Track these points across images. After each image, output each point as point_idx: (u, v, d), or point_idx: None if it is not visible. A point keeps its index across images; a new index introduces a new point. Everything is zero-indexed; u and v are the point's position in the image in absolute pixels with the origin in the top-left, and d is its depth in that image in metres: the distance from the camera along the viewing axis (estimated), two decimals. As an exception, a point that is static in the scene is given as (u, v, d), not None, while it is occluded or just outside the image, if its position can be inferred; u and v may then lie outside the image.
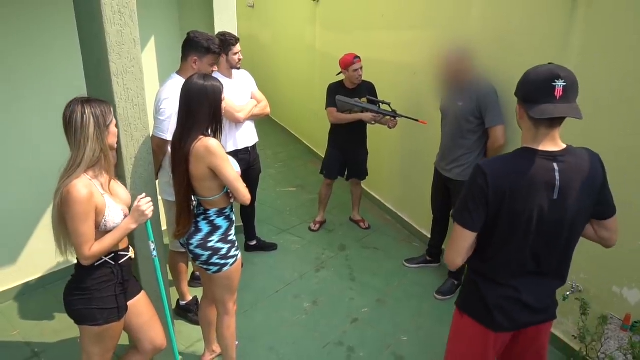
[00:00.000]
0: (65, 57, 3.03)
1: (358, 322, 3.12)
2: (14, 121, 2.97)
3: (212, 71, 2.72)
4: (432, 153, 3.39)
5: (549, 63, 1.55)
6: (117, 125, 1.99)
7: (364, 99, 3.74)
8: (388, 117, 3.69)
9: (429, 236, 3.75)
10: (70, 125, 1.78)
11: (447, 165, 3.19)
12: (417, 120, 3.54)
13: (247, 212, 3.81)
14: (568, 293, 2.55)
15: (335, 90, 3.80)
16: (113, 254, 1.92)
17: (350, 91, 3.79)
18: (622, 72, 2.34)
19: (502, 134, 2.94)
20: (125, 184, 2.12)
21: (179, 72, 2.72)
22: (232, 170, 2.13)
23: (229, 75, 3.20)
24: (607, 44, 2.39)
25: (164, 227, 2.81)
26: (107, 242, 1.84)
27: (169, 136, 2.55)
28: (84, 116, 1.77)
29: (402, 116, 3.62)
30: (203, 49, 2.63)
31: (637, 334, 2.18)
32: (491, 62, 3.06)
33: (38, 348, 2.81)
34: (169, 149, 2.62)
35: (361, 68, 3.73)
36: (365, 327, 3.08)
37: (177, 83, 2.61)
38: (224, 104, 2.20)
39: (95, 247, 1.81)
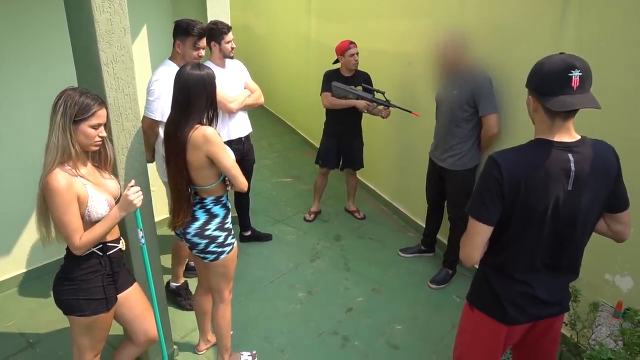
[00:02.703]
0: (60, 46, 2.99)
1: (353, 312, 3.14)
2: (6, 110, 2.95)
3: (199, 55, 2.80)
4: (428, 144, 3.38)
5: (561, 53, 1.51)
6: (98, 127, 1.85)
7: (359, 87, 3.74)
8: (381, 107, 3.68)
9: (424, 226, 3.75)
10: (52, 108, 1.78)
11: (441, 154, 3.19)
12: (410, 112, 3.54)
13: (242, 203, 3.80)
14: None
15: (332, 77, 3.81)
16: (101, 245, 1.91)
17: (346, 79, 3.80)
18: (616, 62, 2.33)
19: (496, 123, 2.93)
20: (116, 175, 2.10)
21: (170, 58, 2.85)
22: (229, 157, 2.13)
23: (222, 65, 3.19)
24: (601, 33, 2.38)
25: (159, 216, 2.80)
26: (97, 231, 1.83)
27: (157, 116, 2.67)
28: (59, 102, 1.75)
29: (395, 106, 3.62)
30: (183, 31, 2.75)
31: (628, 321, 2.20)
32: (486, 51, 3.04)
33: (33, 339, 2.81)
34: (160, 130, 2.65)
35: (357, 53, 3.73)
36: (360, 316, 3.10)
37: (169, 68, 2.76)
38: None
39: (86, 237, 1.80)
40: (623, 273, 2.43)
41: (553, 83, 1.46)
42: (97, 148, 1.89)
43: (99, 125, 1.84)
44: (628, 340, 1.94)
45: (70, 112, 1.75)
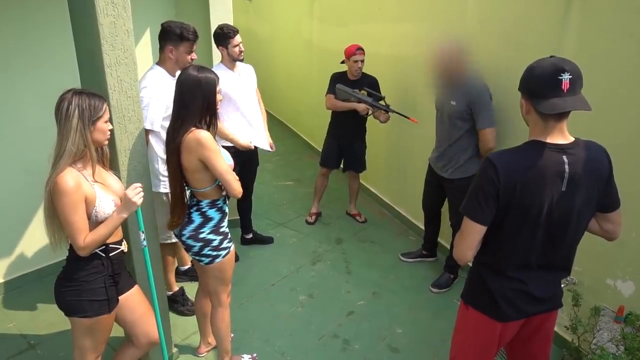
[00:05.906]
0: (63, 49, 3.01)
1: (354, 315, 3.13)
2: (9, 112, 2.97)
3: (192, 59, 2.68)
4: (429, 148, 3.38)
5: (551, 56, 1.54)
6: (111, 121, 1.96)
7: (364, 91, 3.77)
8: (381, 111, 3.70)
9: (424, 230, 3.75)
10: (57, 115, 1.79)
11: (441, 165, 3.18)
12: (408, 118, 3.55)
13: (243, 206, 3.81)
14: (563, 285, 2.55)
15: (338, 80, 3.86)
16: (104, 246, 1.92)
17: (353, 82, 3.83)
18: (618, 65, 2.34)
19: (493, 137, 2.89)
20: (119, 177, 2.11)
21: (158, 63, 2.73)
22: (223, 162, 2.12)
23: (232, 68, 3.22)
24: (603, 37, 2.39)
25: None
26: (100, 232, 1.83)
27: (147, 124, 2.57)
28: (70, 107, 1.77)
29: (394, 111, 3.64)
30: (176, 36, 2.60)
31: (630, 326, 2.19)
32: (488, 54, 3.05)
33: (34, 340, 2.81)
34: (150, 138, 2.63)
35: (362, 61, 3.76)
36: (360, 319, 3.09)
37: (156, 73, 2.66)
38: (219, 97, 2.20)
39: (90, 237, 1.81)
40: (625, 278, 2.42)
41: (544, 86, 1.50)
42: (107, 142, 1.93)
43: (108, 118, 1.90)
44: (629, 345, 1.94)
45: (87, 115, 1.79)
